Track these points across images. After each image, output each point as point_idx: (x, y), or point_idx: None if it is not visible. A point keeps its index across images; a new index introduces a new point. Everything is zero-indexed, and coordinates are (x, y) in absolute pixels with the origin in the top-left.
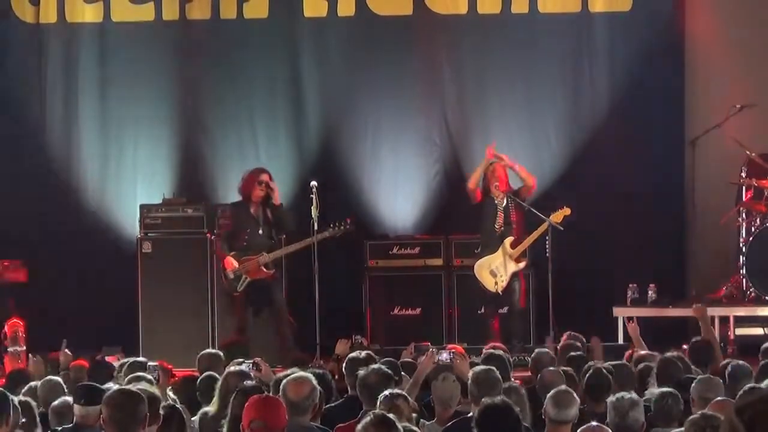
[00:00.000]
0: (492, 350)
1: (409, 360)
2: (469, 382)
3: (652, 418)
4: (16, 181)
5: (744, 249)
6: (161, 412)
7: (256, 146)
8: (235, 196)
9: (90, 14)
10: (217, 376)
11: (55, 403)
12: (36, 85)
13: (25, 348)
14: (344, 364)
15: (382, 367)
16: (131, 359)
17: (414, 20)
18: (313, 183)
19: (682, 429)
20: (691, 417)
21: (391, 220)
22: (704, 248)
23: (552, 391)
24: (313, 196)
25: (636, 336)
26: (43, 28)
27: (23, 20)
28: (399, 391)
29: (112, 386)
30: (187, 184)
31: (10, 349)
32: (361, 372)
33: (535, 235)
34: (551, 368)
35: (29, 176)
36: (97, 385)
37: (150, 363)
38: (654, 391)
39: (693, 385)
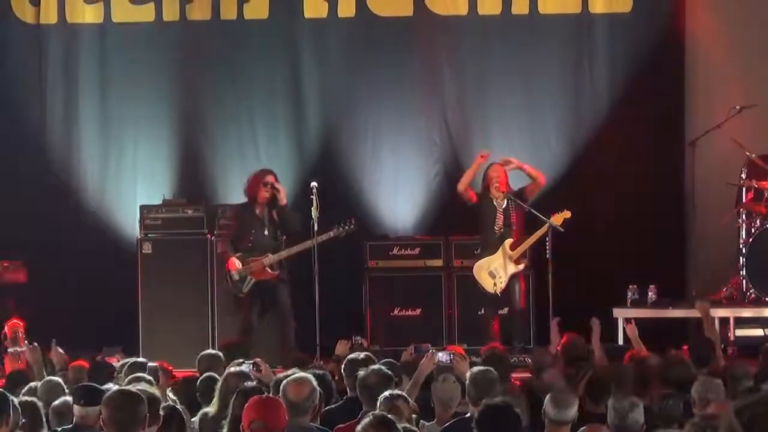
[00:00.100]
0: (492, 351)
1: (409, 360)
2: (467, 382)
3: (652, 419)
4: (16, 181)
5: (744, 250)
6: (161, 412)
7: (256, 147)
8: (235, 197)
9: (90, 15)
10: (217, 376)
11: (55, 403)
12: (36, 85)
13: (25, 348)
14: (343, 366)
15: (382, 367)
16: (132, 360)
17: (414, 21)
18: (313, 184)
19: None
20: (692, 418)
21: (391, 220)
22: (704, 249)
23: (551, 392)
24: (313, 197)
25: (634, 337)
26: (44, 28)
27: (23, 20)
28: (399, 392)
29: (112, 387)
30: (187, 185)
31: (10, 350)
32: (361, 373)
33: (535, 236)
34: (551, 369)
35: (29, 176)
36: (97, 385)
37: (150, 363)
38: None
39: (694, 385)
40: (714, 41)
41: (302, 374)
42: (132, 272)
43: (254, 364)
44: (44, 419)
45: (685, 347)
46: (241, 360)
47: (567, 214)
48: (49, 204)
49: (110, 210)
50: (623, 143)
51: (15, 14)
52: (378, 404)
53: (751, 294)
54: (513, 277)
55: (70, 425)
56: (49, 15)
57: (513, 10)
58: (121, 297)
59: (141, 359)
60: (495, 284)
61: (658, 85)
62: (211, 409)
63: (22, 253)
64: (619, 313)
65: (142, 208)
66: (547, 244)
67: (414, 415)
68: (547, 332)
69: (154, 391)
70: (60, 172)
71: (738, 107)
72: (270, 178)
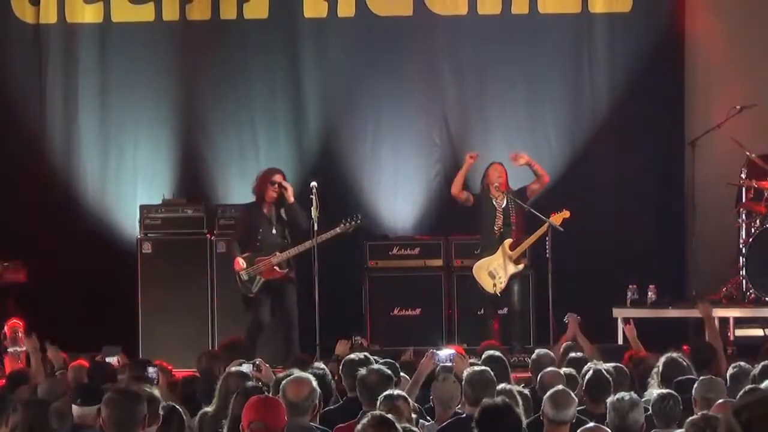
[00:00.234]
0: (491, 351)
1: (409, 360)
2: (463, 383)
3: (652, 419)
4: (16, 181)
5: (744, 250)
6: (161, 412)
7: (256, 147)
8: (235, 196)
9: (90, 14)
10: (217, 376)
11: (55, 403)
12: (36, 85)
13: (24, 348)
14: (341, 366)
15: (382, 367)
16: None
17: (414, 21)
18: (313, 183)
19: (682, 430)
20: (691, 418)
21: (391, 220)
22: (704, 249)
23: (550, 392)
24: (313, 197)
25: (633, 337)
26: (43, 28)
27: (23, 20)
28: (399, 392)
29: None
30: (187, 185)
31: (9, 350)
32: (361, 372)
33: (534, 236)
34: (551, 369)
35: (29, 176)
36: (95, 385)
37: (150, 363)
38: (654, 392)
39: (695, 385)
40: (714, 41)
41: (302, 374)
42: (132, 272)
43: (254, 364)
44: (51, 417)
45: (686, 347)
46: (241, 360)
47: (566, 213)
48: (49, 204)
49: (110, 210)
50: (623, 143)
51: (15, 14)
52: (378, 404)
53: (750, 294)
54: (513, 277)
55: (71, 425)
56: (49, 15)
57: (513, 9)
58: (120, 297)
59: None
60: (495, 284)
61: (658, 85)
62: (210, 408)
63: (22, 253)
64: (619, 313)
65: (142, 207)
66: (547, 244)
67: (414, 415)
68: (548, 332)
69: (154, 390)
70: (60, 171)
71: (738, 107)
72: (277, 177)
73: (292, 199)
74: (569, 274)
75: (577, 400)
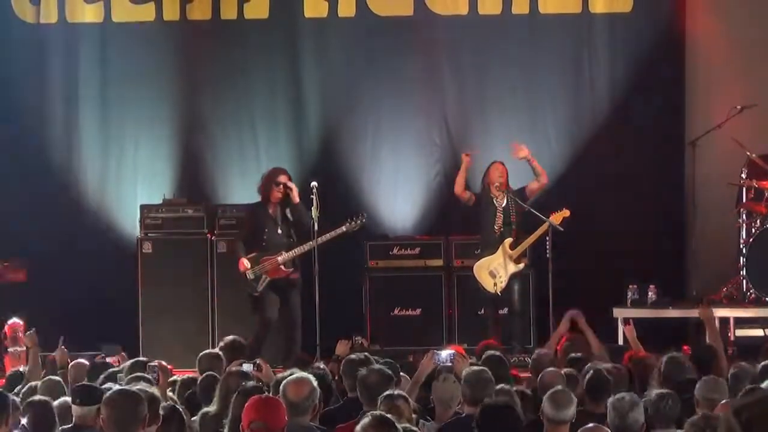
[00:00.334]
0: (491, 351)
1: (409, 360)
2: (462, 383)
3: (651, 419)
4: (16, 181)
5: (744, 250)
6: (161, 412)
7: (257, 146)
8: (235, 196)
9: (90, 14)
10: (217, 376)
11: (55, 403)
12: (36, 85)
13: (24, 348)
14: (341, 366)
15: (382, 367)
16: (133, 360)
17: (414, 21)
18: (314, 183)
19: (681, 430)
20: (692, 418)
21: (391, 220)
22: (704, 249)
23: (549, 391)
24: (314, 197)
25: (632, 338)
26: (44, 28)
27: (23, 20)
28: (399, 392)
29: (112, 386)
30: (187, 185)
31: (10, 350)
32: (362, 372)
33: (534, 236)
34: (551, 369)
35: (29, 176)
36: (95, 384)
37: (150, 363)
38: (653, 392)
39: (698, 386)
40: (714, 41)
41: (302, 374)
42: (132, 272)
43: (254, 364)
44: (56, 418)
45: (686, 347)
46: (241, 360)
47: (566, 213)
48: (49, 204)
49: (110, 209)
50: (623, 143)
51: (15, 13)
52: (378, 404)
53: (751, 294)
54: (513, 277)
55: (70, 425)
56: (50, 14)
57: (513, 9)
58: (121, 297)
59: (142, 359)
60: (495, 284)
61: (658, 85)
62: (211, 408)
63: (22, 252)
64: (619, 313)
65: (143, 207)
66: (547, 243)
67: (414, 415)
68: (548, 332)
69: (154, 390)
70: (60, 171)
71: (738, 107)
72: (282, 178)
73: (297, 200)
74: (569, 274)
75: (576, 399)
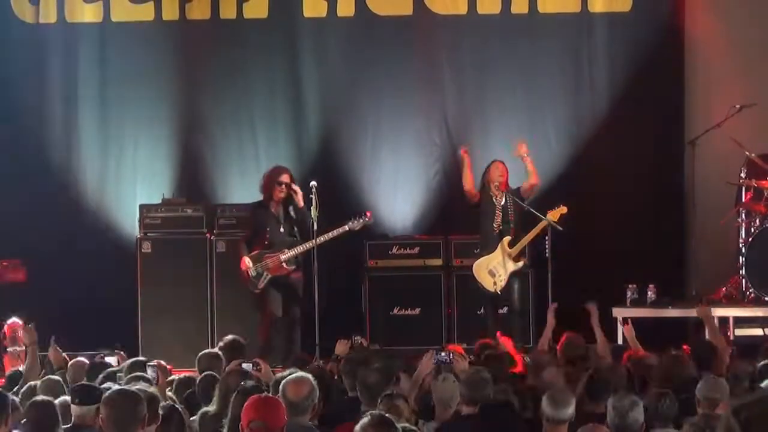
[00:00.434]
0: (491, 351)
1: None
2: (459, 382)
3: (648, 418)
4: (15, 181)
5: (743, 249)
6: (160, 412)
7: (256, 146)
8: (235, 196)
9: (90, 14)
10: (216, 375)
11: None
12: (36, 84)
13: (24, 348)
14: (341, 366)
15: (382, 367)
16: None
17: (414, 20)
18: (313, 183)
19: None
20: (691, 418)
21: (390, 220)
22: (704, 248)
23: (549, 391)
24: (313, 197)
25: (631, 337)
26: (43, 27)
27: (23, 20)
28: (398, 392)
29: (111, 386)
30: (186, 184)
31: (9, 349)
32: (361, 372)
33: (532, 233)
34: (551, 368)
35: (29, 176)
36: (93, 384)
37: (149, 363)
38: (651, 392)
39: (699, 385)
40: (714, 40)
41: (301, 373)
42: (132, 272)
43: (254, 364)
44: (60, 418)
45: (685, 347)
46: (241, 360)
47: (563, 209)
48: (49, 204)
49: (110, 209)
50: (623, 143)
51: (14, 13)
52: (378, 404)
53: (750, 293)
54: (512, 277)
55: (69, 425)
56: (49, 14)
57: (512, 9)
58: (120, 296)
59: (141, 358)
60: (495, 282)
61: (658, 85)
62: (211, 408)
63: (22, 252)
64: (619, 313)
65: (142, 207)
66: (547, 243)
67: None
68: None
69: (153, 390)
70: (60, 171)
71: (738, 106)
72: (284, 178)
73: (302, 204)
74: (569, 273)
75: (575, 399)
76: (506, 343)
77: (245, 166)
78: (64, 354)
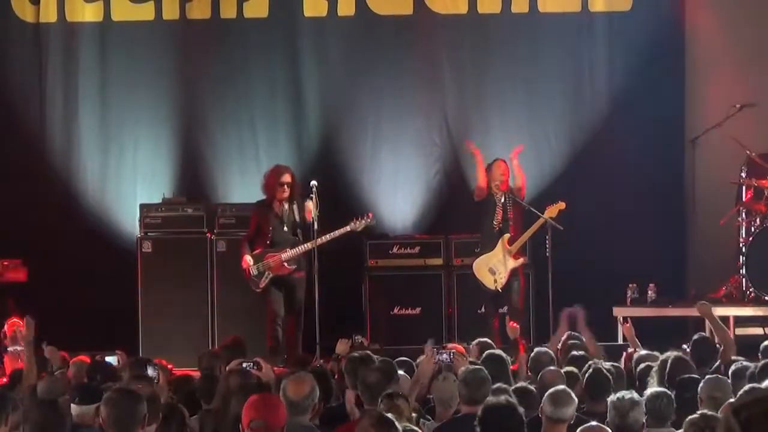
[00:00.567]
0: (491, 351)
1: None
2: (458, 382)
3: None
4: (16, 180)
5: (744, 249)
6: (160, 411)
7: (256, 146)
8: (235, 196)
9: (90, 13)
10: (217, 375)
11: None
12: (36, 84)
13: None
14: (343, 365)
15: (382, 366)
16: (132, 359)
17: (414, 20)
18: (313, 183)
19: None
20: (691, 417)
21: (390, 219)
22: (704, 248)
23: (549, 390)
24: (313, 196)
25: (631, 337)
26: (43, 27)
27: (23, 20)
28: (399, 391)
29: (111, 385)
30: (187, 184)
31: (9, 349)
32: (362, 372)
33: (531, 230)
34: (551, 368)
35: (29, 176)
36: (93, 384)
37: (150, 362)
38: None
39: (701, 384)
40: (714, 40)
41: (302, 373)
42: (132, 272)
43: (255, 363)
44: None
45: (685, 346)
46: (241, 359)
47: (561, 205)
48: (49, 204)
49: (110, 209)
50: (623, 142)
51: (15, 13)
52: (378, 403)
53: (750, 293)
54: (513, 276)
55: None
56: (49, 13)
57: (513, 8)
58: (120, 296)
59: (142, 357)
60: (495, 281)
61: (658, 84)
62: (211, 407)
63: (21, 252)
64: (619, 312)
65: (142, 206)
66: (547, 243)
67: (414, 414)
68: (548, 331)
69: (154, 389)
70: (60, 171)
71: (738, 106)
72: (286, 178)
73: (310, 218)
74: (569, 273)
75: (576, 399)
76: (514, 330)
77: (245, 165)
78: (62, 353)
